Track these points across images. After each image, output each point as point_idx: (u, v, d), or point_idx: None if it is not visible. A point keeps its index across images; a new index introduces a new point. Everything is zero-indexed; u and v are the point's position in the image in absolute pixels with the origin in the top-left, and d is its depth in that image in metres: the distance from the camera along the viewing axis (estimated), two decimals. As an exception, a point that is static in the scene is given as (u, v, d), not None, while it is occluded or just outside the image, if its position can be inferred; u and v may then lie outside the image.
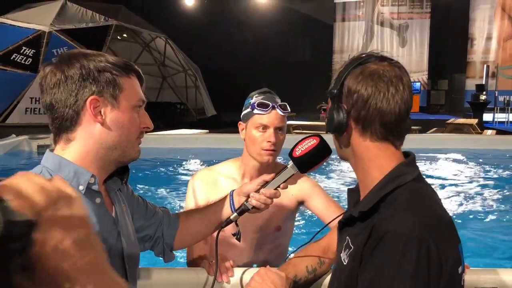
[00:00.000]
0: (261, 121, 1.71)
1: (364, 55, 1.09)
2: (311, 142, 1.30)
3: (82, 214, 0.57)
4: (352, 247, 1.05)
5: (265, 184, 1.37)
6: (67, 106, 1.09)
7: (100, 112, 1.10)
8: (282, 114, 1.73)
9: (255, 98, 1.74)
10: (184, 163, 6.97)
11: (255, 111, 1.72)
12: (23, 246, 0.47)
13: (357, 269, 1.00)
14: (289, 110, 1.76)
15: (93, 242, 0.57)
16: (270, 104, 1.71)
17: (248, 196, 1.38)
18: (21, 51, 12.35)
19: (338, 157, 1.19)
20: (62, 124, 1.12)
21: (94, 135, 1.11)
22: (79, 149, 1.12)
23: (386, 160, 1.06)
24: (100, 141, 1.12)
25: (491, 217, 4.66)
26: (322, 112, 13.47)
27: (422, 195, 1.05)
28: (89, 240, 0.57)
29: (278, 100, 1.75)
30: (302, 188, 1.84)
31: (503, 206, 4.99)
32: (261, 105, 1.71)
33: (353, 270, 1.01)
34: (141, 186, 5.42)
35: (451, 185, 5.87)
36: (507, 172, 6.58)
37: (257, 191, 1.37)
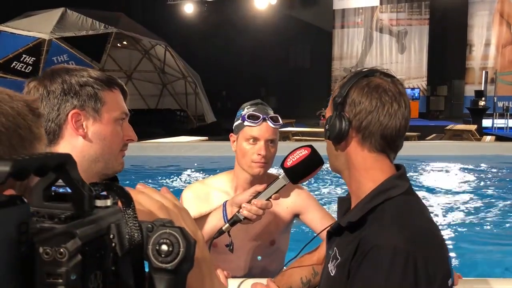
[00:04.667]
0: (251, 133, 1.66)
1: (368, 69, 1.12)
2: (303, 153, 1.31)
3: (195, 229, 0.58)
4: (340, 258, 1.05)
5: (257, 194, 1.36)
6: (50, 120, 1.11)
7: (82, 126, 1.12)
8: (273, 126, 1.67)
9: (246, 110, 1.69)
10: (183, 171, 6.95)
11: (246, 123, 1.67)
12: (190, 267, 0.46)
13: (345, 282, 1.01)
14: (281, 122, 1.71)
15: (206, 256, 0.59)
16: (261, 116, 1.65)
17: (240, 207, 1.37)
18: (22, 59, 12.36)
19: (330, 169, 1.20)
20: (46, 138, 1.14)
21: (76, 148, 1.12)
22: None
23: (380, 172, 1.07)
24: (83, 154, 1.12)
25: (487, 225, 4.65)
26: (322, 118, 13.47)
27: (410, 209, 1.06)
28: (204, 254, 0.58)
29: (270, 112, 1.70)
30: (297, 200, 1.79)
31: (500, 213, 4.98)
32: (252, 117, 1.66)
33: (341, 283, 1.02)
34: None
35: (449, 192, 5.84)
36: (506, 179, 6.58)
37: (249, 201, 1.36)
